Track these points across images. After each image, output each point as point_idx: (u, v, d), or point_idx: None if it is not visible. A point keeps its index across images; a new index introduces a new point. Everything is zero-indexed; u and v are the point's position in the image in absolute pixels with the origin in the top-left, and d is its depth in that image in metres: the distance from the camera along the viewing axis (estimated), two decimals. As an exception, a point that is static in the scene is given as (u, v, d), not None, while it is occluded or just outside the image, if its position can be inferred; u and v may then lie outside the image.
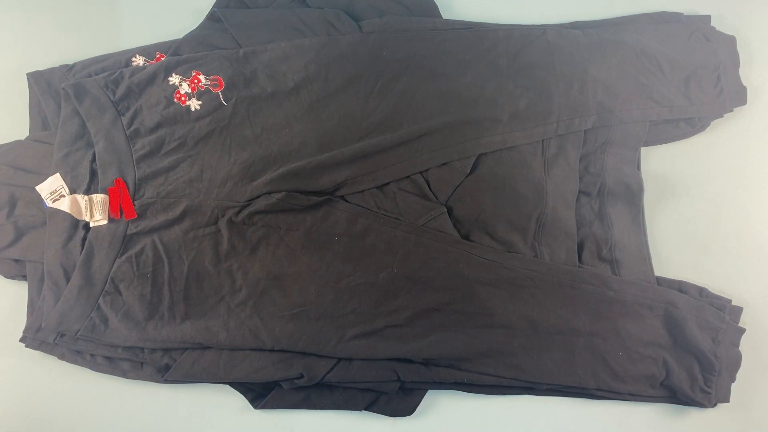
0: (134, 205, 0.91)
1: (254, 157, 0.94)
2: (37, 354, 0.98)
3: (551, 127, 0.97)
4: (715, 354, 0.95)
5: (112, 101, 0.93)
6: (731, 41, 1.06)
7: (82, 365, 0.97)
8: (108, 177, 0.92)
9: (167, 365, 0.95)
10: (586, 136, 1.00)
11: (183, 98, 0.94)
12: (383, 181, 0.95)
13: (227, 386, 0.98)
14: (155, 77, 0.95)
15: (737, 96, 1.05)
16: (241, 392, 0.98)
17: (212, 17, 1.02)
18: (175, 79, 0.94)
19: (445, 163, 0.95)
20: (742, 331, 0.98)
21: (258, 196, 0.94)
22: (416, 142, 0.95)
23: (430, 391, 0.99)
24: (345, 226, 0.94)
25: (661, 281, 1.01)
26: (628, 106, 0.99)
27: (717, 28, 1.06)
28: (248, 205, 0.94)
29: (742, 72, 1.07)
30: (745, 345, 0.99)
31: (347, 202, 0.95)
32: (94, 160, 0.93)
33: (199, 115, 0.95)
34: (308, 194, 0.94)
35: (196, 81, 0.94)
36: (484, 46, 0.99)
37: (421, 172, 0.95)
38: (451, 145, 0.95)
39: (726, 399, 0.97)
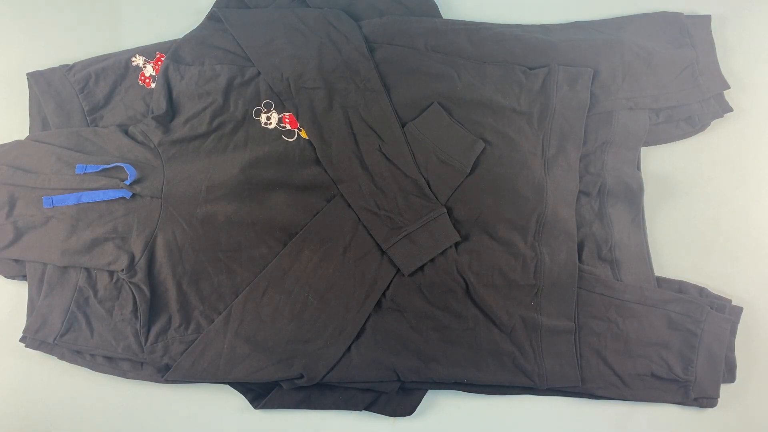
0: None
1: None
2: (37, 354, 0.98)
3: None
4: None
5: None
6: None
7: (82, 365, 0.97)
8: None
9: (167, 365, 0.95)
10: (586, 136, 1.00)
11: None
12: None
13: (227, 386, 0.98)
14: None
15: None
16: (241, 392, 0.98)
17: (212, 17, 1.02)
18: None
19: (445, 163, 0.95)
20: (735, 331, 0.98)
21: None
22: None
23: (430, 391, 1.00)
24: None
25: (661, 281, 1.01)
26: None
27: (717, 28, 1.06)
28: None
29: (742, 71, 1.07)
30: (744, 345, 0.99)
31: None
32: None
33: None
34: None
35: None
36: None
37: (421, 172, 0.95)
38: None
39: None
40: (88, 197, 0.94)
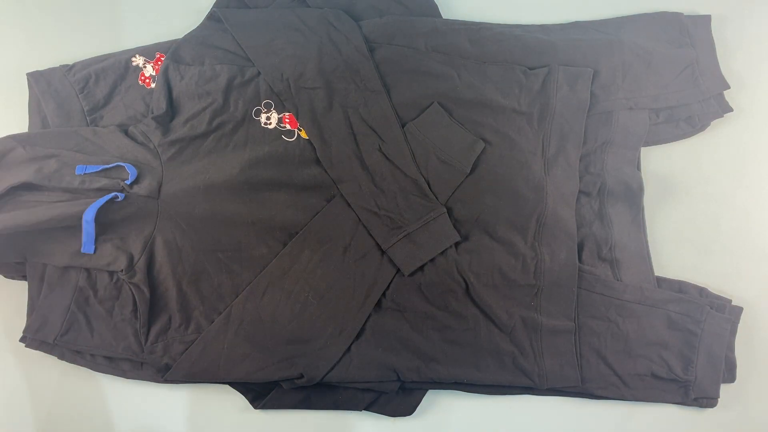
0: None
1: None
2: (37, 354, 0.97)
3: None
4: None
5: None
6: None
7: (82, 365, 0.97)
8: None
9: (167, 365, 0.95)
10: (586, 136, 1.00)
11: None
12: None
13: (227, 386, 0.98)
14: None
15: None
16: (241, 392, 0.98)
17: (212, 17, 1.02)
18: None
19: (445, 163, 0.95)
20: (735, 331, 0.98)
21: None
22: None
23: (430, 391, 1.00)
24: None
25: (661, 281, 1.01)
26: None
27: (717, 28, 1.06)
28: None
29: (742, 71, 1.07)
30: (744, 345, 0.99)
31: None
32: None
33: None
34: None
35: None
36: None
37: (421, 172, 0.95)
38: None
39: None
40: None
